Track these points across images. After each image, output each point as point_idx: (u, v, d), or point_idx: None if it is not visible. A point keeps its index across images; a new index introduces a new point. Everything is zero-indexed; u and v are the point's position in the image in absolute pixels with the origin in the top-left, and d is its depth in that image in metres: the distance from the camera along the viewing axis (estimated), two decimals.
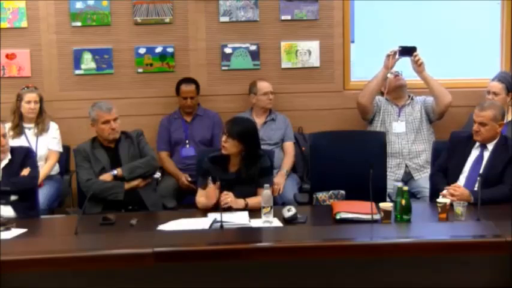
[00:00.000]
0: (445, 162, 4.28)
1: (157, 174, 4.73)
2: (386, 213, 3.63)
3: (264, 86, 5.25)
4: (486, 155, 4.15)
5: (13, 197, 4.12)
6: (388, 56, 5.10)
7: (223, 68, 5.47)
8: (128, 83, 5.44)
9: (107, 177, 4.34)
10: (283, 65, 5.49)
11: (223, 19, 5.42)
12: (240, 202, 3.98)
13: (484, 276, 3.47)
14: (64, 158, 5.13)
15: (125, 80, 5.44)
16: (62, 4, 5.33)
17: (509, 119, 4.93)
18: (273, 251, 3.41)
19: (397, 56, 5.11)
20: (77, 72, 5.40)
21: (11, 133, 4.86)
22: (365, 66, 5.54)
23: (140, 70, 5.43)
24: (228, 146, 4.05)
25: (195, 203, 4.15)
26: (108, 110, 4.41)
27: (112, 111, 4.43)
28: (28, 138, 4.93)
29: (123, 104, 5.01)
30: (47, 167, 4.92)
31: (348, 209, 3.71)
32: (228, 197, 3.93)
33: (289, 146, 5.21)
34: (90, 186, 4.25)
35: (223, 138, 4.07)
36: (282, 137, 5.22)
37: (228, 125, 4.11)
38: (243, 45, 5.45)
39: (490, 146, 4.16)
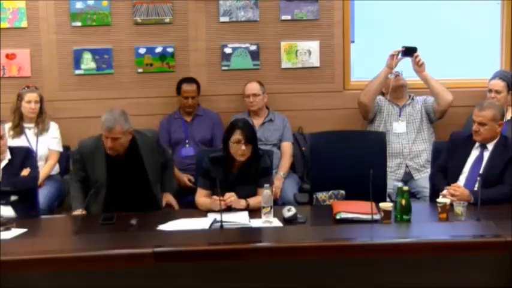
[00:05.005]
0: (445, 163, 4.27)
1: None
2: (386, 213, 3.63)
3: (247, 88, 5.24)
4: (486, 155, 4.14)
5: (13, 197, 4.13)
6: (392, 55, 5.10)
7: (223, 68, 5.46)
8: (128, 83, 5.44)
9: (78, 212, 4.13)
10: (283, 65, 5.49)
11: (223, 19, 5.41)
12: (242, 202, 3.97)
13: (484, 276, 3.47)
14: (64, 158, 5.12)
15: (125, 80, 5.43)
16: (62, 4, 5.32)
17: (509, 117, 4.94)
18: (273, 251, 3.41)
19: (400, 56, 5.11)
20: (77, 72, 5.39)
21: (11, 133, 4.87)
22: (365, 66, 5.54)
23: (140, 70, 5.43)
24: (247, 152, 4.02)
25: (195, 202, 4.15)
26: (108, 129, 4.01)
27: (113, 130, 4.00)
28: (28, 138, 4.93)
29: (123, 104, 4.98)
30: (47, 167, 4.92)
31: (348, 209, 3.71)
32: (231, 198, 3.92)
33: (286, 146, 5.19)
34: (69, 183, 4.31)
35: (243, 147, 3.98)
36: (280, 138, 5.21)
37: (244, 131, 4.02)
38: (243, 45, 5.44)
39: (490, 146, 4.15)
